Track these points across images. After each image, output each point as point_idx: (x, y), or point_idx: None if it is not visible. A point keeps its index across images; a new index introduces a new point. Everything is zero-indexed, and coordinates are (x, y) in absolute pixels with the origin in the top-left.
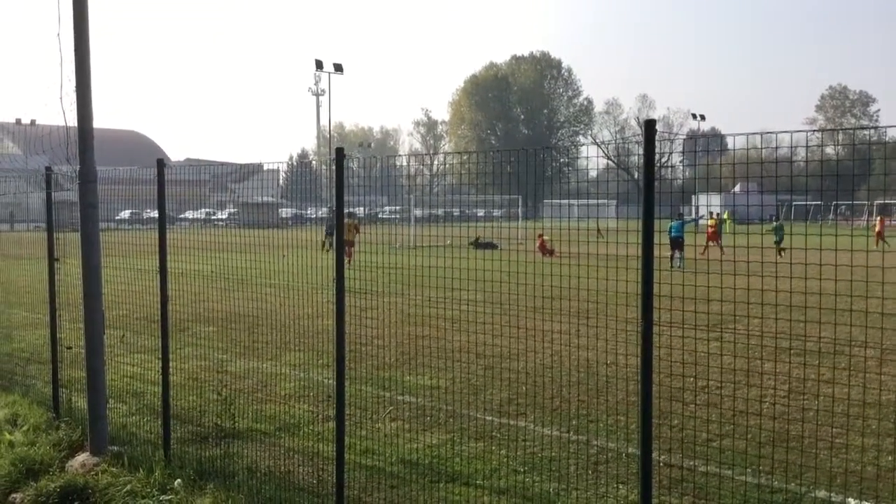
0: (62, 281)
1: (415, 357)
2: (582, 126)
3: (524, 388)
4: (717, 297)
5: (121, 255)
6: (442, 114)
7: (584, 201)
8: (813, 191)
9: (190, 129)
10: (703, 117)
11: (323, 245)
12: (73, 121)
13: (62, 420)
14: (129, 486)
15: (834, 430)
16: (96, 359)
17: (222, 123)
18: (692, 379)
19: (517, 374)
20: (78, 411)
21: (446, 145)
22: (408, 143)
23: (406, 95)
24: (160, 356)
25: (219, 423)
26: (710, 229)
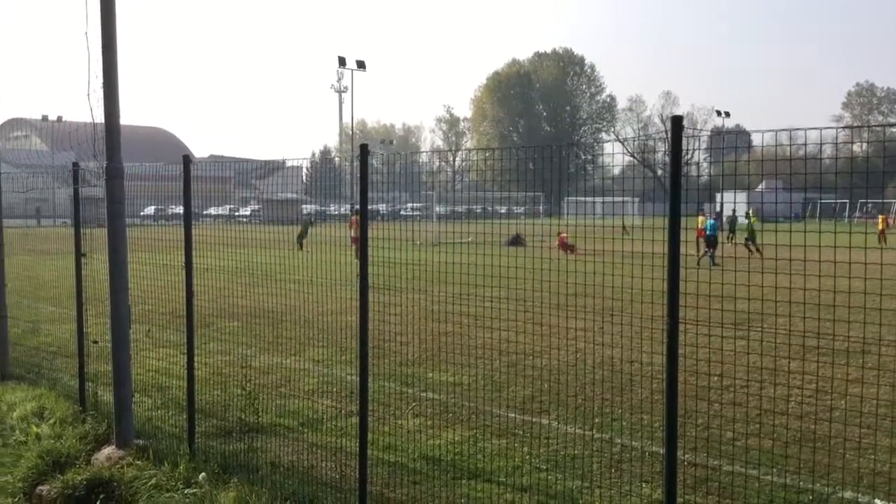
0: (88, 276)
1: (437, 354)
2: (605, 123)
3: (547, 385)
4: (743, 295)
5: (146, 251)
6: (464, 111)
7: (609, 199)
8: (841, 188)
9: (214, 125)
10: (727, 114)
11: (300, 244)
12: (100, 117)
13: (88, 413)
14: (154, 480)
15: (861, 430)
16: (122, 353)
17: (246, 120)
18: (717, 377)
19: (540, 371)
20: (104, 405)
21: (468, 142)
22: (430, 139)
23: (428, 92)
24: (185, 351)
25: (243, 417)
26: (699, 230)
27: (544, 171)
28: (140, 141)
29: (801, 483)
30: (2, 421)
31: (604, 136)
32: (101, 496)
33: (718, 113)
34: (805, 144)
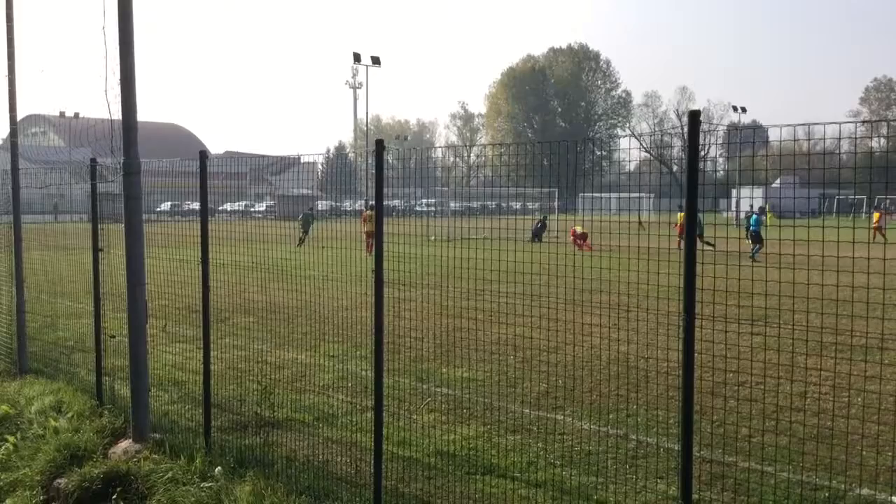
0: (105, 271)
1: (452, 349)
2: (620, 119)
3: (561, 381)
4: (759, 291)
5: (162, 246)
6: (479, 106)
7: (625, 195)
8: (860, 184)
9: (229, 121)
10: (744, 110)
11: (300, 241)
12: (117, 114)
13: (105, 407)
14: (170, 473)
15: (879, 427)
16: (139, 347)
17: (261, 116)
18: (733, 374)
19: (554, 367)
20: (121, 399)
21: (483, 138)
22: (444, 135)
23: (443, 88)
24: (201, 346)
25: (258, 412)
26: (678, 225)
27: (559, 167)
28: (156, 137)
29: (817, 480)
30: (20, 415)
31: (619, 131)
32: (118, 489)
33: (735, 108)
34: (824, 139)
